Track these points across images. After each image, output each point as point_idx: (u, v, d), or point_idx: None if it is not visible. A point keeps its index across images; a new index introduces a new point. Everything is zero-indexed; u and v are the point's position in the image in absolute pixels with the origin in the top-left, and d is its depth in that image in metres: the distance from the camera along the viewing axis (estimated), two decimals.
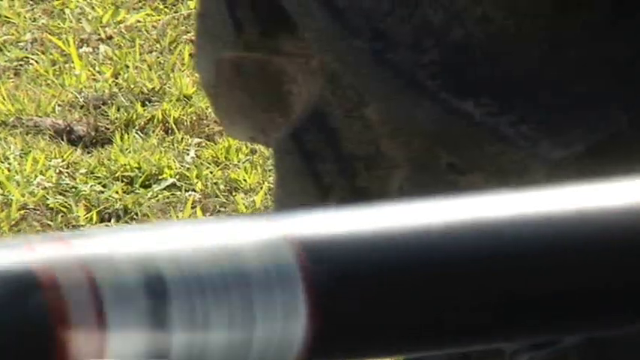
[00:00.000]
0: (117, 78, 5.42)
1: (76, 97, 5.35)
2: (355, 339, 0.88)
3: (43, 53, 5.67)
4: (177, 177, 4.81)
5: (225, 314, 0.83)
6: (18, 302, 0.81)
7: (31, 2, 6.06)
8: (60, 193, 4.75)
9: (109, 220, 4.53)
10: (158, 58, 5.58)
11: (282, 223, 0.84)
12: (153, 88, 5.32)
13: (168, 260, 0.82)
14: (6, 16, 5.88)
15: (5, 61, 5.60)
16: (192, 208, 4.61)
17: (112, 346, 0.83)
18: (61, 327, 0.81)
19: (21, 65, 5.61)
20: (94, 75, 5.48)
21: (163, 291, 0.81)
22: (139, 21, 5.83)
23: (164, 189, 4.79)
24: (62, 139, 5.10)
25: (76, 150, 5.02)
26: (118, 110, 5.21)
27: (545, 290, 0.91)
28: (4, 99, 5.28)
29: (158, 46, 5.67)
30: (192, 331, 0.82)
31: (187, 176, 4.77)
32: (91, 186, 4.78)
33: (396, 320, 0.90)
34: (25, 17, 5.93)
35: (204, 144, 4.97)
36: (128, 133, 5.08)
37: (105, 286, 0.81)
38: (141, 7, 5.93)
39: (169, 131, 5.10)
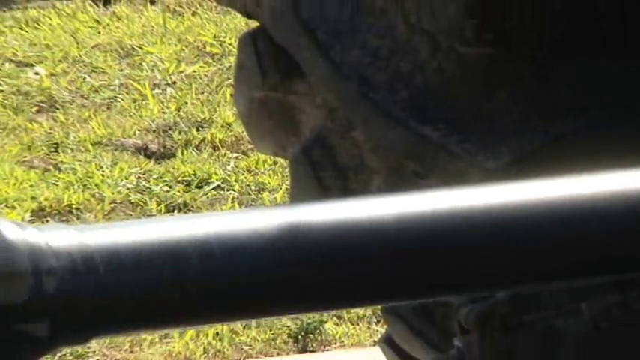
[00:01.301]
0: (179, 111, 5.46)
1: (150, 125, 5.38)
2: None
3: (127, 93, 5.69)
4: (221, 181, 4.88)
5: None
6: None
7: (118, 57, 6.04)
8: (139, 192, 4.80)
9: (173, 212, 4.53)
10: (208, 97, 5.61)
11: (290, 213, 0.82)
12: (204, 118, 5.37)
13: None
14: (101, 67, 5.89)
15: (100, 99, 5.63)
16: (232, 203, 4.67)
17: None
18: None
19: (111, 102, 5.62)
20: (163, 109, 5.50)
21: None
22: (194, 71, 5.86)
23: (212, 189, 4.85)
24: (140, 154, 5.15)
25: (150, 162, 5.07)
26: (180, 134, 5.27)
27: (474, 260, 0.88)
28: (100, 126, 5.30)
29: (208, 88, 5.69)
30: None
31: (228, 180, 4.85)
32: (161, 187, 4.83)
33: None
34: (114, 68, 5.93)
35: (240, 157, 5.03)
36: (187, 150, 5.13)
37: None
38: (196, 61, 5.93)
39: (216, 148, 5.16)
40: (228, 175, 5.02)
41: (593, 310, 1.01)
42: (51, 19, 6.49)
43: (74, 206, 4.79)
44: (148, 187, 4.95)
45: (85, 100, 5.73)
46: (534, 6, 1.41)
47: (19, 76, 5.92)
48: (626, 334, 1.00)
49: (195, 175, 5.01)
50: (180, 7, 6.62)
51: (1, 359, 0.75)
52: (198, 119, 5.44)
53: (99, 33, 6.36)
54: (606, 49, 1.43)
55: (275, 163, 4.91)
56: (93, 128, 5.38)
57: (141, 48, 6.14)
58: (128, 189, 4.93)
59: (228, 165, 5.10)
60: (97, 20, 6.51)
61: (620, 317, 1.00)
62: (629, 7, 1.44)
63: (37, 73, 5.97)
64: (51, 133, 5.37)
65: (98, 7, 6.65)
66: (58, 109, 5.63)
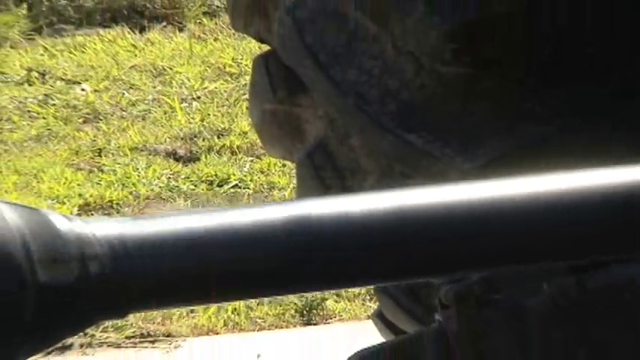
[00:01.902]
0: (203, 121, 5.45)
1: (179, 133, 5.37)
2: None
3: (159, 107, 5.68)
4: (239, 180, 4.86)
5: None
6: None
7: (151, 76, 6.04)
8: (169, 190, 4.79)
9: (198, 206, 4.52)
10: (227, 109, 5.60)
11: (298, 206, 0.82)
12: (224, 128, 5.36)
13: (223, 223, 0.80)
14: (137, 85, 5.89)
15: (136, 112, 5.63)
16: (247, 199, 4.64)
17: None
18: None
19: (146, 114, 5.62)
20: (189, 120, 5.49)
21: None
22: (216, 88, 5.86)
23: (230, 188, 4.85)
24: (170, 158, 5.14)
25: (178, 164, 5.06)
26: (203, 141, 5.26)
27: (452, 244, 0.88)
28: (136, 134, 5.29)
29: (227, 102, 5.68)
30: None
31: (244, 180, 4.83)
32: (187, 186, 4.82)
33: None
34: (148, 85, 5.93)
35: (254, 160, 5.01)
36: (209, 154, 5.12)
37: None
38: (217, 79, 5.94)
39: (234, 153, 5.14)
40: (245, 176, 5.02)
41: (553, 290, 1.01)
42: (95, 44, 6.49)
43: (114, 202, 4.79)
44: (177, 186, 4.95)
45: (124, 113, 5.73)
46: (511, 32, 1.40)
47: (68, 92, 5.92)
48: (584, 313, 1.00)
49: (216, 175, 5.01)
50: (204, 34, 6.62)
51: (53, 331, 0.75)
52: (219, 128, 5.44)
53: (135, 56, 6.35)
54: (594, 75, 1.41)
55: (284, 165, 4.92)
56: (130, 136, 5.38)
57: (171, 68, 6.14)
58: (160, 187, 4.93)
59: (245, 167, 5.09)
60: (133, 45, 6.51)
61: (577, 297, 1.00)
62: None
63: (83, 90, 5.97)
64: (95, 140, 5.37)
65: (135, 34, 6.65)
66: (100, 120, 5.63)
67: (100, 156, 5.21)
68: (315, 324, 3.92)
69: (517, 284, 0.98)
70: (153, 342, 3.80)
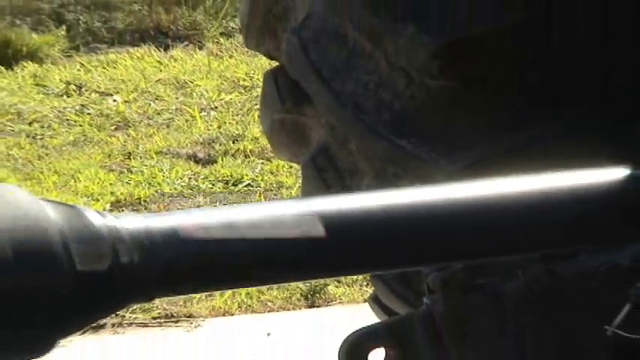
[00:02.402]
0: (220, 128, 5.46)
1: (198, 138, 5.37)
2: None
3: (181, 115, 5.69)
4: (251, 180, 4.86)
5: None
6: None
7: (175, 89, 6.05)
8: (190, 189, 4.79)
9: (215, 203, 4.54)
10: (241, 117, 5.61)
11: (304, 204, 0.82)
12: (238, 134, 5.36)
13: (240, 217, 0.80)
14: (162, 96, 5.90)
15: (161, 120, 5.65)
16: (259, 197, 4.63)
17: None
18: None
19: (169, 122, 5.63)
20: (207, 127, 5.50)
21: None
22: (231, 99, 5.87)
23: (244, 187, 4.84)
24: (191, 160, 5.14)
25: (198, 166, 5.06)
26: (220, 145, 5.27)
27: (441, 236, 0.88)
28: (161, 139, 5.31)
29: (241, 111, 5.69)
30: None
31: (256, 180, 4.82)
32: (206, 185, 4.83)
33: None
34: (171, 96, 5.94)
35: (265, 163, 5.02)
36: (225, 157, 5.12)
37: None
38: (232, 92, 5.94)
39: (247, 156, 5.15)
40: (256, 176, 5.02)
41: (527, 277, 1.00)
42: (125, 60, 6.49)
43: (142, 199, 4.79)
44: (197, 185, 4.95)
45: (150, 121, 5.73)
46: (499, 51, 1.37)
47: (101, 102, 5.92)
48: (554, 298, 1.00)
49: (231, 176, 5.01)
50: (221, 52, 6.63)
51: (88, 312, 0.75)
52: (234, 134, 5.44)
53: (160, 71, 6.35)
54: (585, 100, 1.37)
55: (291, 167, 4.91)
56: (156, 141, 5.38)
57: (191, 82, 6.14)
58: (182, 186, 4.92)
59: (256, 168, 5.09)
60: (159, 61, 6.51)
61: (548, 283, 0.99)
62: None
63: (114, 101, 5.97)
64: (125, 145, 5.37)
65: (160, 51, 6.65)
66: (130, 127, 5.62)
67: (130, 159, 5.20)
68: (318, 306, 3.92)
69: (496, 272, 0.98)
70: (176, 322, 3.80)
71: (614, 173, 0.91)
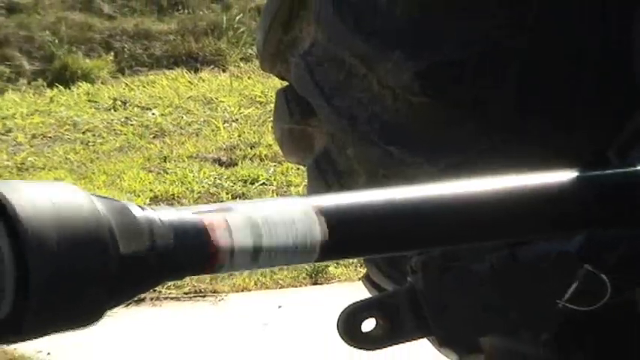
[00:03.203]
0: (239, 137, 5.47)
1: (222, 145, 5.39)
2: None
3: (208, 126, 5.70)
4: (266, 180, 4.85)
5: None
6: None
7: (203, 104, 6.05)
8: (215, 187, 4.79)
9: (235, 199, 4.53)
10: (258, 128, 5.61)
11: (309, 199, 0.82)
12: (255, 141, 5.37)
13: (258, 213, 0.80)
14: (192, 110, 5.89)
15: (192, 130, 5.66)
16: (272, 194, 4.61)
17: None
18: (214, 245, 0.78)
19: (198, 131, 5.64)
20: (230, 136, 5.50)
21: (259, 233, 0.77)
22: (249, 112, 5.85)
23: (260, 185, 4.85)
24: (216, 164, 5.14)
25: (222, 168, 5.06)
26: (240, 151, 5.27)
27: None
28: (191, 146, 5.32)
29: (257, 122, 5.68)
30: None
31: (270, 179, 4.82)
32: (228, 184, 4.81)
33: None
34: (200, 111, 5.94)
35: (277, 165, 5.01)
36: (244, 161, 5.11)
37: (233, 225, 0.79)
38: (250, 107, 5.94)
39: (262, 160, 5.15)
40: (270, 176, 5.02)
41: (492, 259, 1.00)
42: (162, 81, 6.49)
43: (175, 195, 4.79)
44: (220, 184, 4.95)
45: (182, 130, 5.73)
46: (475, 76, 1.35)
47: (142, 115, 5.92)
48: (516, 278, 1.00)
49: (249, 176, 5.01)
50: (241, 74, 6.63)
51: (130, 288, 0.74)
52: (251, 142, 5.44)
53: (191, 89, 6.35)
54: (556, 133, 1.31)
55: (298, 169, 4.91)
56: (187, 147, 5.38)
57: (216, 99, 6.14)
58: (208, 185, 4.93)
59: (270, 170, 5.09)
60: (189, 82, 6.51)
61: (509, 265, 0.99)
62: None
63: (153, 114, 5.97)
64: (161, 150, 5.37)
65: (190, 73, 6.66)
66: (165, 135, 5.62)
67: (165, 162, 5.21)
68: (320, 284, 3.92)
69: (468, 256, 0.98)
70: (203, 296, 3.80)
71: (568, 175, 0.92)
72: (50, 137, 5.59)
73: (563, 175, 0.92)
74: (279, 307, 3.67)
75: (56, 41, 6.79)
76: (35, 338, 0.69)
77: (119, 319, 3.25)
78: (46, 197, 0.69)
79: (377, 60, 1.44)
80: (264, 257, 0.78)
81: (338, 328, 0.96)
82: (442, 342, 0.99)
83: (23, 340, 0.68)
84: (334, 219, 0.80)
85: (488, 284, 0.99)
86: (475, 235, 0.90)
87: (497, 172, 0.90)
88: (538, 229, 0.92)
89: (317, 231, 0.79)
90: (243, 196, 4.77)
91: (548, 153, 1.27)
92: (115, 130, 5.71)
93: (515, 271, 0.99)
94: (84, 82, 6.49)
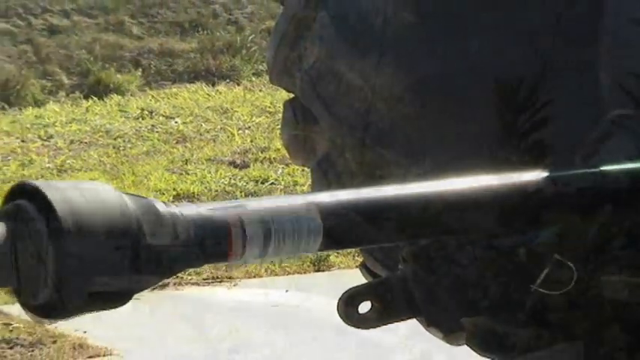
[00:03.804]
0: (252, 142, 5.47)
1: (236, 149, 5.39)
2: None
3: (224, 133, 5.68)
4: (274, 180, 4.84)
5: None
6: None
7: (219, 114, 6.06)
8: (230, 186, 4.80)
9: (247, 196, 4.51)
10: (267, 134, 5.62)
11: (312, 196, 0.81)
12: (265, 146, 5.38)
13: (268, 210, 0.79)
14: (210, 119, 5.88)
15: (210, 136, 5.68)
16: (280, 192, 4.60)
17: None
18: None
19: (216, 137, 5.63)
20: (243, 141, 5.50)
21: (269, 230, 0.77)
22: (260, 121, 5.85)
23: (269, 184, 4.84)
24: (231, 166, 5.11)
25: (236, 169, 5.04)
26: (252, 154, 5.26)
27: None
28: (209, 150, 5.33)
29: (267, 130, 5.67)
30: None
31: (278, 180, 4.82)
32: (242, 184, 4.79)
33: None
34: (217, 119, 5.95)
35: (285, 167, 4.99)
36: (256, 163, 5.11)
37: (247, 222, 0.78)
38: (261, 116, 5.95)
39: (271, 162, 5.15)
40: (278, 177, 5.02)
41: (475, 249, 1.00)
42: (184, 93, 6.50)
43: (195, 194, 4.79)
44: (235, 183, 4.95)
45: (202, 136, 5.73)
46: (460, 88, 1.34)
47: (166, 123, 5.93)
48: (494, 265, 1.00)
49: (260, 177, 5.01)
50: (253, 87, 6.65)
51: (156, 274, 0.74)
52: (262, 146, 5.44)
53: (209, 101, 6.36)
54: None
55: (303, 170, 4.91)
56: (206, 152, 5.38)
57: (231, 109, 6.14)
58: (224, 184, 4.93)
59: (278, 171, 5.09)
60: (208, 94, 6.51)
61: (489, 254, 0.99)
62: None
63: (176, 122, 5.97)
64: (183, 154, 5.38)
65: (209, 87, 6.67)
66: (187, 141, 5.63)
67: (187, 164, 5.21)
68: (322, 271, 3.92)
69: (452, 246, 0.98)
70: (220, 282, 3.80)
71: (531, 175, 0.91)
72: (86, 143, 5.60)
73: (536, 175, 0.92)
74: (287, 290, 3.67)
75: (91, 59, 6.82)
76: (73, 317, 0.70)
77: (146, 302, 3.25)
78: (82, 195, 0.69)
79: (372, 74, 1.44)
80: (272, 248, 0.77)
81: (338, 310, 0.96)
82: (429, 322, 0.99)
83: (63, 318, 0.69)
84: (333, 213, 0.80)
85: (470, 271, 0.99)
86: (458, 229, 0.89)
87: (479, 171, 0.89)
88: (512, 224, 0.92)
89: (318, 224, 0.79)
90: (254, 194, 4.77)
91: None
92: (142, 136, 5.71)
93: (493, 259, 0.99)
94: (115, 95, 6.51)
